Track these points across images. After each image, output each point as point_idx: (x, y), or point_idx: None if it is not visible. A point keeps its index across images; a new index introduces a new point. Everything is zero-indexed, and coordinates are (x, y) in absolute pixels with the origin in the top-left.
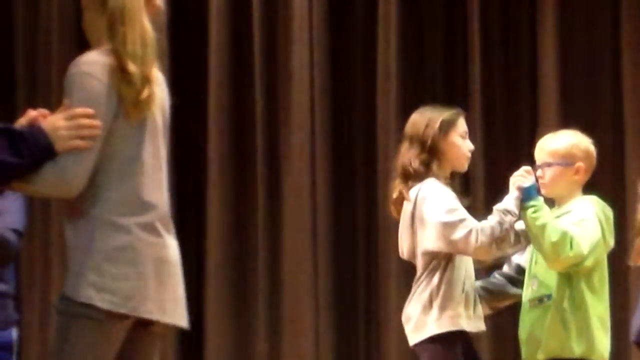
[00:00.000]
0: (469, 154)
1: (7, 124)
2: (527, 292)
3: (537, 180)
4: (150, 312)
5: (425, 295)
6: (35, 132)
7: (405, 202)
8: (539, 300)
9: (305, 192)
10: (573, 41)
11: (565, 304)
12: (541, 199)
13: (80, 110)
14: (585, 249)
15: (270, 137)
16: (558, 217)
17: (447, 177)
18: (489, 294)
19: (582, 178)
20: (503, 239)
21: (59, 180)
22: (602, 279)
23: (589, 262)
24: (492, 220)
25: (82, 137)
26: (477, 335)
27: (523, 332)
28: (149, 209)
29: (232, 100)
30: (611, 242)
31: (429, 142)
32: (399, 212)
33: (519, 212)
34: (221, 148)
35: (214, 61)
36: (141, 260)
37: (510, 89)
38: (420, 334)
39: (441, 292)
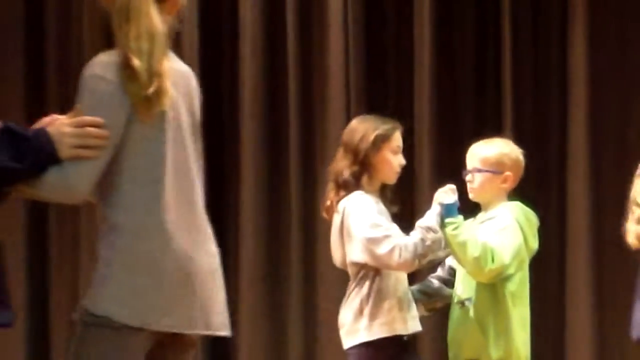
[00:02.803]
0: (399, 169)
1: (8, 122)
2: (454, 294)
3: (466, 185)
4: (170, 325)
5: (356, 303)
6: (40, 136)
7: (335, 213)
8: (462, 303)
9: None
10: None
11: (484, 308)
12: (461, 216)
13: (88, 119)
14: (506, 258)
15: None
16: (482, 222)
17: (377, 190)
18: (425, 296)
19: (509, 186)
20: (425, 254)
21: (63, 186)
22: (523, 282)
23: (511, 269)
24: (415, 237)
25: (88, 147)
26: (414, 335)
27: (449, 332)
28: (175, 215)
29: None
30: (534, 245)
31: (361, 155)
32: (330, 217)
33: (440, 227)
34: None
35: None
36: (162, 270)
37: (540, 83)
38: (352, 339)
39: (371, 301)
